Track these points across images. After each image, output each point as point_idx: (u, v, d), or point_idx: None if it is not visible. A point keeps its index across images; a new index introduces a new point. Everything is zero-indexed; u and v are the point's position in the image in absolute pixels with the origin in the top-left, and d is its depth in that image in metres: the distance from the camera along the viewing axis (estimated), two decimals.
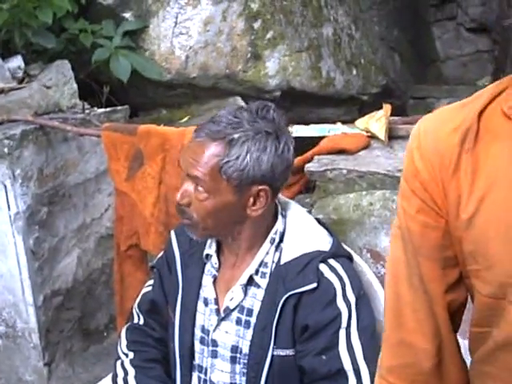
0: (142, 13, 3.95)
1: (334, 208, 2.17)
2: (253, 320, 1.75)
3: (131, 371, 1.91)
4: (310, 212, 2.21)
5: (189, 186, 1.71)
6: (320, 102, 4.87)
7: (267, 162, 1.66)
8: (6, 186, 2.86)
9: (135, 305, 2.05)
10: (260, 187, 1.69)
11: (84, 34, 3.71)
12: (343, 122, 2.47)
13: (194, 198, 1.70)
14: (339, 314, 1.68)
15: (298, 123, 5.04)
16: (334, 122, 4.37)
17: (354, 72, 4.97)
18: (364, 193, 2.14)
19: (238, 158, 1.65)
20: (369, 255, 2.13)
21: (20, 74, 3.64)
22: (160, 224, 2.70)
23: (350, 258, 1.83)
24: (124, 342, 2.00)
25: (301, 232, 1.78)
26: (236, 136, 1.66)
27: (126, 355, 1.96)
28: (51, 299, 3.14)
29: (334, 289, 1.69)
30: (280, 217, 1.81)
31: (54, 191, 3.07)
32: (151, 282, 2.04)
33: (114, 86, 3.95)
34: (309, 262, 1.71)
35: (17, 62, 3.64)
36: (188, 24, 4.02)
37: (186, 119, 4.31)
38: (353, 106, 5.16)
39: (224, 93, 4.38)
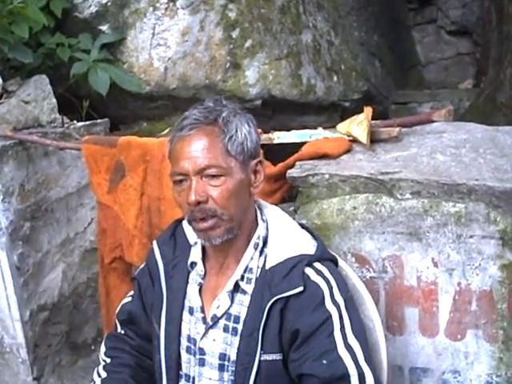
0: (119, 25, 3.93)
1: (318, 213, 2.16)
2: (240, 327, 1.74)
3: (103, 375, 1.94)
4: (293, 218, 2.20)
5: (198, 183, 1.69)
6: (301, 109, 4.86)
7: (254, 134, 1.76)
8: None
9: (116, 313, 2.07)
10: (256, 160, 1.76)
11: (61, 49, 3.69)
12: (324, 127, 2.46)
13: (211, 190, 1.69)
14: (329, 317, 1.67)
15: (282, 131, 5.06)
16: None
17: (335, 78, 4.97)
18: (347, 197, 2.13)
19: (236, 131, 1.71)
20: (353, 259, 2.12)
21: None
22: (144, 235, 2.68)
23: (335, 262, 1.82)
24: (103, 348, 2.03)
25: (284, 236, 1.78)
26: (225, 114, 1.72)
27: (104, 361, 1.98)
28: (38, 314, 3.13)
29: (322, 291, 1.68)
30: (261, 222, 1.81)
31: (37, 206, 3.05)
32: (132, 292, 2.05)
33: (93, 99, 3.93)
34: (294, 266, 1.70)
35: None
36: (166, 35, 4.01)
37: (167, 131, 4.28)
38: (334, 113, 5.15)
39: None
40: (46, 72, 3.80)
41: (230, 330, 1.76)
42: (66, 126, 3.16)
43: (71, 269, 3.30)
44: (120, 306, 2.07)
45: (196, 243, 1.86)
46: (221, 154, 1.69)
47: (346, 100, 5.12)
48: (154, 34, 4.07)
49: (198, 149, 1.69)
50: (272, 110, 4.76)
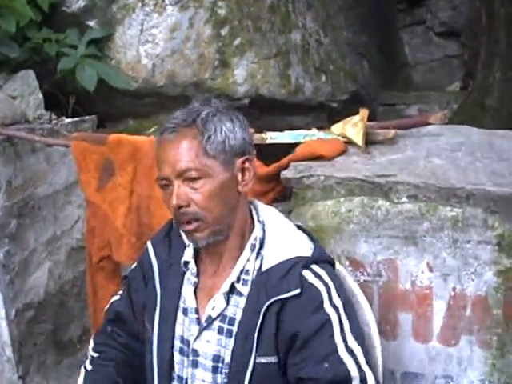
0: (107, 20, 3.88)
1: (312, 215, 2.14)
2: (235, 329, 1.72)
3: (88, 368, 1.94)
4: None
5: (180, 187, 1.67)
6: (289, 109, 4.83)
7: (239, 131, 1.71)
8: None
9: (104, 311, 2.06)
10: (242, 158, 1.71)
11: (48, 43, 3.63)
12: (318, 128, 2.43)
13: (191, 193, 1.67)
14: (329, 320, 1.65)
15: (270, 131, 5.03)
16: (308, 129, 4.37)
17: (323, 78, 4.94)
18: (342, 199, 2.11)
19: (215, 130, 1.67)
20: (348, 263, 2.10)
21: None
22: (132, 235, 2.65)
23: (333, 264, 1.80)
24: (92, 344, 2.01)
25: (281, 238, 1.75)
26: (204, 114, 1.68)
27: (92, 356, 1.98)
28: (23, 312, 3.09)
29: (320, 294, 1.66)
30: (257, 223, 1.79)
31: (24, 203, 3.01)
32: (121, 291, 2.02)
33: (80, 95, 3.87)
34: (291, 268, 1.68)
35: None
36: (154, 31, 3.97)
37: (153, 129, 4.23)
38: (322, 113, 5.12)
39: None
40: (33, 67, 3.75)
41: (225, 331, 1.73)
42: (53, 122, 3.10)
43: (57, 267, 3.27)
44: (109, 304, 2.04)
45: (190, 244, 1.84)
46: (198, 155, 1.67)
47: (334, 100, 5.09)
48: (142, 31, 4.03)
49: (176, 152, 1.68)
50: (260, 110, 4.72)
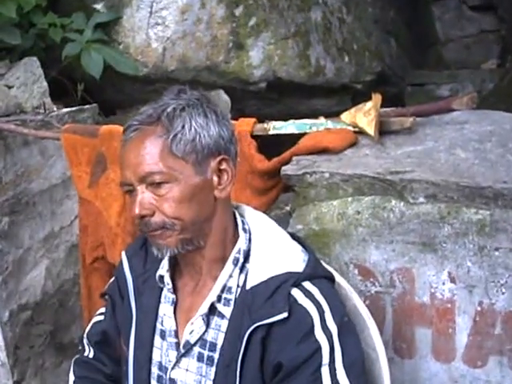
0: (115, 3, 3.70)
1: (316, 217, 1.88)
2: (216, 356, 1.49)
3: None
4: (288, 221, 1.93)
5: (143, 194, 1.45)
6: (309, 92, 4.63)
7: (214, 127, 1.49)
8: None
9: (85, 334, 1.83)
10: (218, 158, 1.49)
11: (53, 29, 3.48)
12: (326, 116, 2.17)
13: (156, 201, 1.44)
14: (319, 349, 1.41)
15: (290, 115, 4.82)
16: (324, 115, 4.12)
17: (346, 59, 4.71)
18: (350, 199, 1.84)
19: (183, 127, 1.45)
20: (356, 271, 1.85)
21: None
22: (127, 234, 2.43)
23: (332, 279, 1.55)
24: (72, 377, 1.78)
25: (269, 250, 1.51)
26: (170, 109, 1.46)
27: None
28: (18, 314, 2.90)
29: (311, 318, 1.42)
30: (242, 232, 1.54)
31: (16, 200, 2.81)
32: (103, 309, 1.78)
33: (88, 82, 3.74)
34: (278, 287, 1.44)
35: None
36: (164, 13, 3.76)
37: None
38: (345, 96, 4.91)
39: (205, 86, 4.12)
40: (39, 54, 3.64)
41: (205, 358, 1.50)
42: (47, 112, 2.88)
43: (56, 265, 3.07)
44: (90, 325, 1.83)
45: None
46: (163, 157, 1.44)
47: (358, 82, 4.86)
48: (151, 13, 3.84)
49: (137, 154, 1.45)
50: (278, 93, 4.54)
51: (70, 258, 3.11)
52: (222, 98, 4.17)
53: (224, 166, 1.51)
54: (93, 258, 2.56)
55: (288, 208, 2.10)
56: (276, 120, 4.58)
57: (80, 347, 1.84)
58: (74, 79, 3.89)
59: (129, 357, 1.61)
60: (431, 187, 1.74)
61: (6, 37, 3.33)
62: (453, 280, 1.77)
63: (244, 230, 1.55)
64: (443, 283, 1.78)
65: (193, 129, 1.45)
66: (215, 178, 1.50)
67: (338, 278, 1.61)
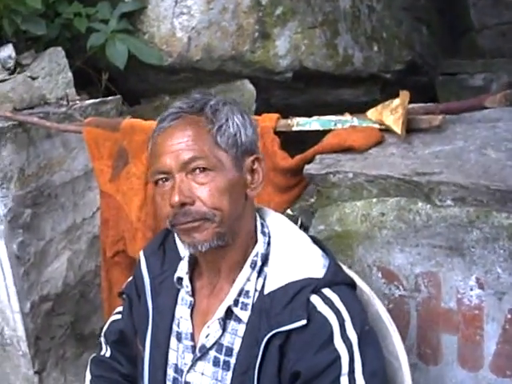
0: None
1: (339, 218, 1.82)
2: (233, 361, 1.44)
3: None
4: (310, 214, 1.88)
5: (182, 182, 1.40)
6: (337, 82, 4.56)
7: (250, 128, 1.49)
8: None
9: (102, 333, 1.80)
10: (252, 157, 1.48)
11: (78, 19, 3.47)
12: (352, 113, 2.10)
13: (197, 189, 1.39)
14: (338, 358, 1.35)
15: (316, 105, 4.77)
16: (351, 106, 4.04)
17: (375, 48, 4.63)
18: (374, 200, 1.78)
19: (227, 120, 1.44)
20: (380, 274, 1.79)
21: (11, 64, 3.41)
22: (148, 229, 2.40)
23: (353, 285, 1.49)
24: (88, 376, 1.76)
25: (289, 254, 1.46)
26: (213, 102, 1.46)
27: None
28: (40, 305, 2.91)
29: (330, 326, 1.37)
30: (261, 235, 1.50)
31: (38, 192, 2.81)
32: (120, 308, 1.76)
33: (113, 72, 3.74)
34: (297, 293, 1.39)
35: (7, 51, 3.43)
36: (189, 2, 3.73)
37: None
38: (374, 86, 4.83)
39: (231, 76, 4.11)
40: (64, 44, 3.65)
41: (221, 363, 1.46)
42: (70, 105, 2.85)
43: (78, 256, 3.07)
44: (108, 324, 1.80)
45: (185, 256, 1.58)
46: (209, 145, 1.41)
47: (388, 71, 4.78)
48: (176, 2, 3.80)
49: (181, 140, 1.41)
50: (304, 83, 4.48)
51: (92, 250, 3.10)
52: (247, 88, 4.12)
53: (256, 165, 1.48)
54: (113, 252, 2.54)
55: (313, 200, 2.04)
56: (302, 110, 4.53)
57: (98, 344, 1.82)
58: (98, 69, 3.89)
59: (145, 357, 1.58)
60: (459, 190, 1.67)
61: (32, 27, 3.33)
62: (481, 286, 1.70)
63: (263, 233, 1.50)
64: (471, 289, 1.71)
65: (235, 124, 1.44)
66: (248, 177, 1.47)
67: (360, 282, 1.56)
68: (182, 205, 1.39)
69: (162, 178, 1.43)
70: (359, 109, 4.57)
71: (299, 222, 2.52)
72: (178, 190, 1.38)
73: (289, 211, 2.61)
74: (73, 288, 3.07)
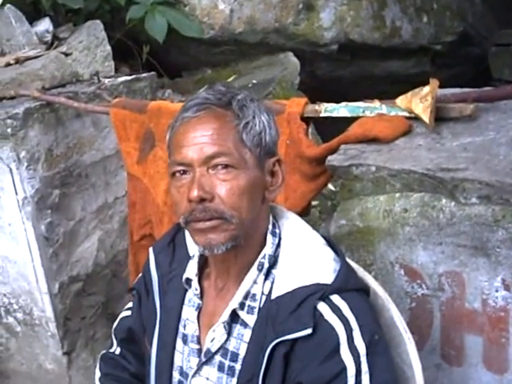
0: None
1: (360, 213, 1.75)
2: (238, 366, 1.39)
3: None
4: (331, 216, 1.81)
5: (203, 176, 1.32)
6: (385, 54, 4.44)
7: (274, 128, 1.42)
8: (11, 170, 2.57)
9: (113, 329, 1.76)
10: (274, 159, 1.42)
11: None
12: (381, 100, 2.00)
13: (218, 186, 1.32)
14: (343, 370, 1.28)
15: (363, 77, 4.65)
16: (401, 78, 3.88)
17: (425, 19, 4.48)
18: (397, 195, 1.70)
19: (254, 117, 1.38)
20: (402, 272, 1.72)
21: (48, 38, 3.40)
22: (174, 214, 2.34)
23: (365, 291, 1.42)
24: (98, 373, 1.73)
25: (298, 257, 1.39)
26: (240, 96, 1.39)
27: None
28: (69, 286, 2.89)
29: (337, 336, 1.30)
30: (270, 236, 1.43)
31: (67, 172, 2.77)
32: (130, 304, 1.71)
33: (153, 45, 3.71)
34: (305, 300, 1.32)
35: (44, 25, 3.42)
36: None
37: (232, 78, 3.98)
38: (424, 57, 4.70)
39: (274, 48, 4.04)
40: (104, 16, 3.61)
41: (226, 369, 1.41)
42: (101, 83, 2.80)
43: (110, 236, 3.05)
44: (118, 320, 1.76)
45: (194, 256, 1.51)
46: (234, 141, 1.34)
47: (438, 43, 4.62)
48: None
49: (205, 133, 1.33)
50: (351, 55, 4.36)
51: (125, 229, 3.05)
52: (291, 61, 4.04)
53: (277, 167, 1.42)
54: (140, 236, 2.51)
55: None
56: (349, 82, 4.42)
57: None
58: (138, 41, 3.85)
59: (151, 357, 1.54)
60: (485, 188, 1.57)
61: (69, 0, 3.32)
62: (507, 288, 1.61)
63: (273, 233, 1.43)
64: (496, 290, 1.63)
65: (261, 122, 1.37)
66: (269, 179, 1.40)
67: (376, 286, 1.48)
68: (201, 200, 1.32)
69: (180, 170, 1.36)
70: (407, 80, 4.45)
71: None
72: (197, 184, 1.31)
73: None
74: (104, 268, 3.05)
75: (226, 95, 1.38)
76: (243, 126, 1.35)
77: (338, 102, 2.06)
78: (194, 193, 1.31)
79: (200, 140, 1.33)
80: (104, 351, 1.77)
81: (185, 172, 1.35)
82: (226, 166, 1.33)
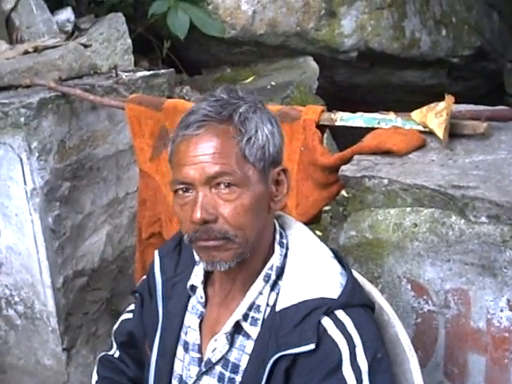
0: None
1: (371, 225, 1.74)
2: (238, 378, 1.38)
3: None
4: (341, 227, 1.80)
5: (206, 196, 1.30)
6: (403, 63, 4.47)
7: (278, 135, 1.39)
8: (21, 160, 2.58)
9: (113, 331, 1.75)
10: (278, 168, 1.40)
11: None
12: (396, 112, 1.99)
13: (222, 206, 1.31)
14: None
15: (380, 85, 4.66)
16: (417, 88, 3.91)
17: (444, 32, 4.51)
18: (408, 209, 1.69)
19: (256, 131, 1.34)
20: (409, 287, 1.71)
21: (69, 28, 3.40)
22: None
23: (370, 307, 1.41)
24: (95, 376, 1.71)
25: (305, 269, 1.38)
26: (242, 109, 1.34)
27: None
28: (73, 280, 2.87)
29: (340, 352, 1.28)
30: (278, 247, 1.42)
31: (79, 165, 2.77)
32: (132, 306, 1.70)
33: (174, 41, 3.72)
34: (309, 314, 1.31)
35: (66, 14, 3.42)
36: None
37: (250, 79, 4.00)
38: (440, 69, 4.74)
39: (294, 52, 4.07)
40: (126, 9, 3.61)
41: (226, 380, 1.39)
42: (118, 77, 2.81)
43: (118, 231, 3.05)
44: (119, 322, 1.74)
45: (199, 261, 1.49)
46: (236, 159, 1.31)
47: (455, 56, 4.65)
48: None
49: (207, 152, 1.30)
50: (370, 63, 4.39)
51: (134, 225, 3.04)
52: (311, 66, 4.07)
53: (282, 177, 1.40)
54: (149, 234, 2.52)
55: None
56: (366, 89, 4.44)
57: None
58: (159, 36, 3.86)
59: (151, 363, 1.52)
60: (494, 208, 1.57)
61: None
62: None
63: (281, 243, 1.42)
64: (501, 310, 1.62)
65: (264, 135, 1.34)
66: (273, 188, 1.39)
67: (382, 301, 1.48)
68: (204, 222, 1.30)
69: (182, 188, 1.35)
70: (423, 90, 4.46)
71: None
72: (200, 206, 1.29)
73: None
74: (110, 263, 3.04)
75: (226, 108, 1.34)
76: (246, 142, 1.32)
77: (354, 107, 2.06)
78: (197, 215, 1.29)
79: (201, 159, 1.30)
80: (103, 353, 1.75)
81: (187, 189, 1.34)
82: (228, 185, 1.31)
